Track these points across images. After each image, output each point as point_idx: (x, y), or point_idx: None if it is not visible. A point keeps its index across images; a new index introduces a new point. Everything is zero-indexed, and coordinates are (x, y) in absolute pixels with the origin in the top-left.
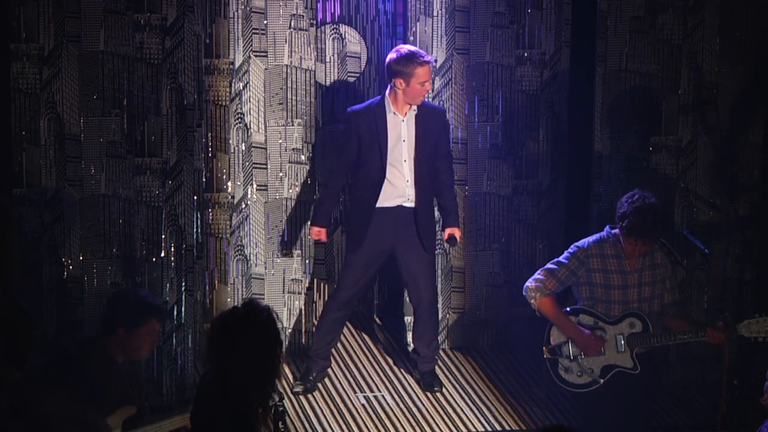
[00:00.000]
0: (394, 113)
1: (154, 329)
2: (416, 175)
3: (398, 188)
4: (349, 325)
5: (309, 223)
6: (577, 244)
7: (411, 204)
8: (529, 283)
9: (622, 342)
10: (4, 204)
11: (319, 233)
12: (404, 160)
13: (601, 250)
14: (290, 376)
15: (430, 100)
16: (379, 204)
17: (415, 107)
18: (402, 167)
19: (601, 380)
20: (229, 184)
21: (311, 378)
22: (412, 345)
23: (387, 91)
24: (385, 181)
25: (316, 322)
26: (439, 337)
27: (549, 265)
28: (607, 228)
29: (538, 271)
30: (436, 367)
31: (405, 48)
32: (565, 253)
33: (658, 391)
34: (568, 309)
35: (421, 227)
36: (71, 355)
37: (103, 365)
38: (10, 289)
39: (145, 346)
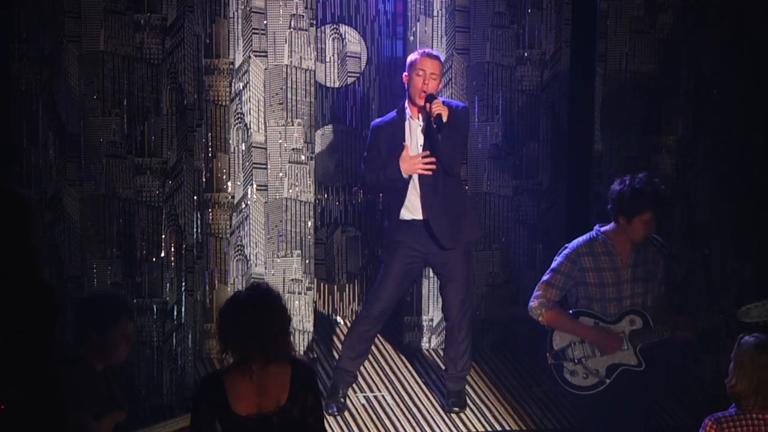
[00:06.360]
0: (411, 118)
1: (126, 328)
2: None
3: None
4: (349, 325)
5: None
6: (566, 246)
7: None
8: (531, 302)
9: (625, 340)
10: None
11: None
12: None
13: (591, 248)
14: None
15: None
16: (406, 216)
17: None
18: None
19: (608, 380)
20: (229, 184)
21: (341, 396)
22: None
23: (406, 99)
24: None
25: (312, 323)
26: (438, 338)
27: (544, 277)
28: (596, 227)
29: (536, 287)
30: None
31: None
32: (557, 259)
33: (659, 388)
34: (570, 311)
35: (436, 228)
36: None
37: (82, 371)
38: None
39: (120, 347)
